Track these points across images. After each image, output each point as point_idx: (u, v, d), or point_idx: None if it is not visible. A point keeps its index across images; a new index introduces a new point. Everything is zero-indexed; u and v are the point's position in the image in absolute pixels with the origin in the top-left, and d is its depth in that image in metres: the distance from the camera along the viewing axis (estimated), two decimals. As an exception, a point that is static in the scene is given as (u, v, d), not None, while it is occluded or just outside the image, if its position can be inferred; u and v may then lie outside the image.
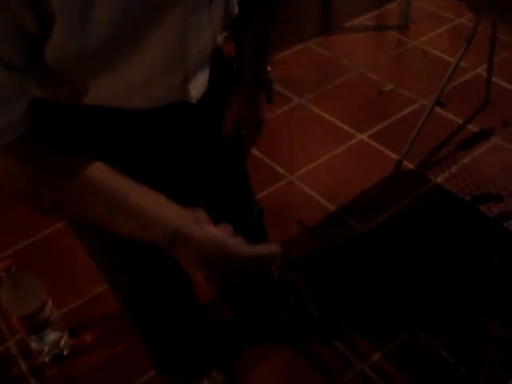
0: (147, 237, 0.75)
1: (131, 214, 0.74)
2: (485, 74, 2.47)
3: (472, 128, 2.38)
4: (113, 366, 1.68)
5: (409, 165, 2.24)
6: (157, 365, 1.56)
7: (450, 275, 1.82)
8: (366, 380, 1.59)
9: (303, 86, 2.69)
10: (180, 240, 0.73)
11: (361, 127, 2.44)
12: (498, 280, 1.80)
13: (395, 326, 1.71)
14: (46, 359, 1.70)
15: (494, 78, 2.46)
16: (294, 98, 2.64)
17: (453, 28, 3.06)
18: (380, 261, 1.90)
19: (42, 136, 0.75)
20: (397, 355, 1.63)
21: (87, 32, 0.68)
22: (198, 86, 0.96)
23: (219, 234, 0.76)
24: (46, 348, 1.68)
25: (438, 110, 2.41)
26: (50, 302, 1.63)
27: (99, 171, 0.76)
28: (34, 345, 1.67)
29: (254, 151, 2.33)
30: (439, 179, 2.16)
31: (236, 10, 1.01)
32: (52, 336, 1.67)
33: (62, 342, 1.71)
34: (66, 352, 1.72)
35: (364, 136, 2.40)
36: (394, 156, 2.28)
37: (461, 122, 2.41)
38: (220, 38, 0.99)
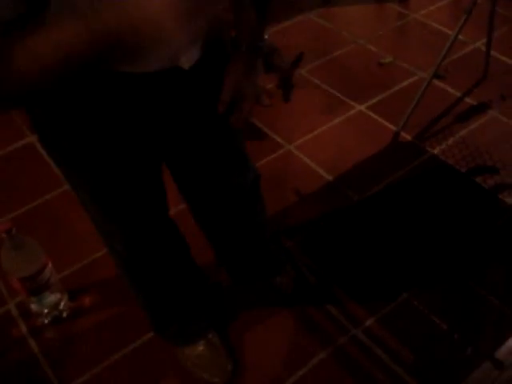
0: (98, 30, 0.65)
1: (69, 19, 0.66)
2: (484, 48, 2.47)
3: (470, 101, 2.39)
4: (111, 327, 1.71)
5: (406, 136, 2.25)
6: (154, 325, 1.59)
7: (444, 242, 1.85)
8: (359, 344, 1.62)
9: (303, 57, 2.68)
10: None
11: (359, 98, 2.45)
12: (492, 247, 1.83)
13: (390, 291, 1.74)
14: (46, 321, 1.73)
15: (492, 52, 2.47)
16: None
17: (453, 2, 3.05)
18: (376, 228, 1.92)
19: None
20: (390, 321, 1.67)
21: None
22: (191, 54, 0.97)
23: None
24: (46, 310, 1.71)
25: (436, 82, 2.42)
26: (49, 265, 1.65)
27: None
28: (33, 306, 1.70)
29: (253, 120, 2.34)
30: (436, 151, 2.18)
31: None
32: (51, 298, 1.70)
33: (62, 304, 1.74)
34: (65, 314, 1.75)
35: (362, 107, 2.41)
36: (392, 127, 2.29)
37: (459, 94, 2.42)
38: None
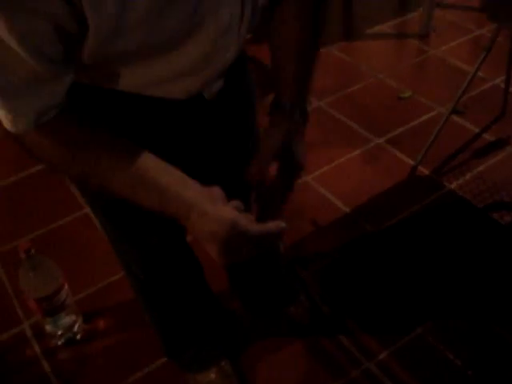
0: (164, 211, 0.80)
1: (151, 189, 0.80)
2: (503, 85, 2.48)
3: (488, 137, 2.40)
4: (124, 351, 1.72)
5: (424, 170, 2.26)
6: (167, 351, 1.59)
7: (459, 279, 1.84)
8: (371, 378, 1.61)
9: (322, 89, 2.71)
10: (194, 216, 0.78)
11: (378, 132, 2.46)
12: (508, 285, 1.82)
13: (403, 324, 1.73)
14: (59, 342, 1.74)
15: (511, 89, 2.48)
16: (313, 101, 2.67)
17: (473, 39, 3.08)
18: (391, 262, 1.92)
19: (75, 115, 0.82)
20: (403, 355, 1.65)
21: (115, 45, 0.74)
22: (214, 86, 1.01)
23: (232, 212, 0.79)
24: (60, 331, 1.72)
25: (455, 118, 2.43)
26: (66, 286, 1.67)
27: (124, 149, 0.81)
28: (48, 327, 1.71)
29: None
30: (453, 186, 2.18)
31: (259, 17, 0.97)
32: (66, 320, 1.71)
33: (76, 326, 1.75)
34: (79, 336, 1.76)
35: (381, 141, 2.42)
36: (410, 161, 2.30)
37: (477, 130, 2.43)
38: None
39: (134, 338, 1.75)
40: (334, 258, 1.94)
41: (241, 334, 1.74)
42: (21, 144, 0.80)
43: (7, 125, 0.77)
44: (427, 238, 1.99)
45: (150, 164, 0.81)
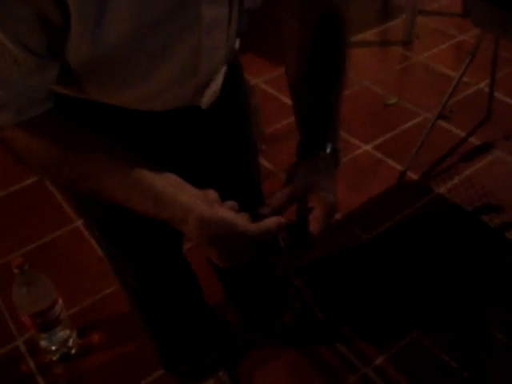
0: (160, 215, 0.79)
1: (146, 192, 0.78)
2: (487, 89, 2.52)
3: (474, 141, 2.42)
4: (120, 365, 1.71)
5: (412, 175, 2.28)
6: (164, 363, 1.59)
7: (451, 282, 1.86)
8: (369, 383, 1.62)
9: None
10: (192, 220, 0.77)
11: (365, 138, 2.48)
12: (500, 287, 1.83)
13: (398, 330, 1.74)
14: (54, 358, 1.73)
15: (496, 93, 2.51)
16: (300, 110, 2.67)
17: (456, 44, 3.12)
18: (383, 267, 1.93)
19: (67, 117, 0.79)
20: (400, 360, 1.66)
21: (97, 37, 0.71)
22: (208, 94, 0.99)
23: (229, 213, 0.79)
24: (54, 347, 1.71)
25: (441, 123, 2.46)
26: (60, 301, 1.66)
27: (119, 152, 0.80)
28: (43, 343, 1.70)
29: (262, 161, 2.36)
30: (442, 190, 2.20)
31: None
32: (61, 335, 1.70)
33: (71, 341, 1.74)
34: (73, 351, 1.74)
35: (369, 147, 2.44)
36: (398, 167, 2.31)
37: (463, 134, 2.46)
38: (235, 46, 1.01)
39: (129, 351, 1.74)
40: (327, 265, 1.95)
41: (237, 343, 1.73)
42: (1, 141, 0.76)
43: None
44: (419, 243, 2.00)
45: (146, 167, 0.79)
